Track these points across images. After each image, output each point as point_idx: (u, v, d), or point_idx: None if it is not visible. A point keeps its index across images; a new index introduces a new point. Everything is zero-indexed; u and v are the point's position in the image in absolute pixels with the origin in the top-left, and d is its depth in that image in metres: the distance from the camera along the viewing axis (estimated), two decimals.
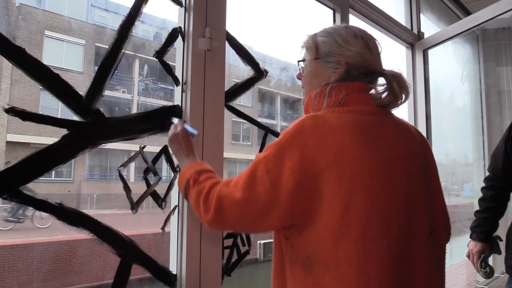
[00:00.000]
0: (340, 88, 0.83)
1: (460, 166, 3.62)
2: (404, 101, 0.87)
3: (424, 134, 2.62)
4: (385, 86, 0.85)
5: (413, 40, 2.72)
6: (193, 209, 0.86)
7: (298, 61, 0.96)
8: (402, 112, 2.71)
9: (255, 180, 0.75)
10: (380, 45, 0.91)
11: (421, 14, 2.86)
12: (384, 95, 0.85)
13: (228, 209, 0.77)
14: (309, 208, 0.73)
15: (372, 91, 0.87)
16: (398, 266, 0.72)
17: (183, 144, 0.99)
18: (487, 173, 1.69)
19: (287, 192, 0.72)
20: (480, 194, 1.68)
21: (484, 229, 1.61)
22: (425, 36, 2.76)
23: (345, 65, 0.84)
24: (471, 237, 1.65)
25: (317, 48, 0.89)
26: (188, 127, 1.03)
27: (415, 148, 0.85)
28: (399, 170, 0.77)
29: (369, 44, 0.87)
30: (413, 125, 2.61)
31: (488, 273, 1.60)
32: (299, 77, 0.97)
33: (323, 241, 0.72)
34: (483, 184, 1.68)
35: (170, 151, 1.07)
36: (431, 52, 2.74)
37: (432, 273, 0.79)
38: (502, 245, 1.62)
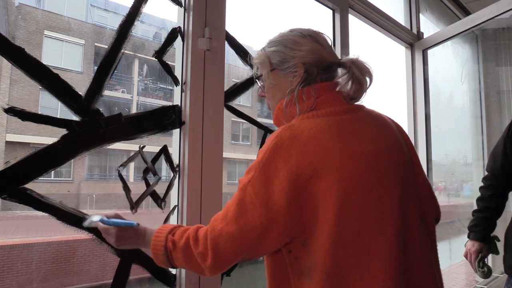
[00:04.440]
0: (309, 92, 0.82)
1: (459, 166, 3.62)
2: (370, 84, 0.85)
3: (424, 134, 2.62)
4: (347, 75, 0.84)
5: (413, 40, 2.73)
6: (187, 269, 0.77)
7: (255, 78, 0.94)
8: (401, 112, 2.72)
9: (245, 206, 0.72)
10: (329, 38, 0.90)
11: (420, 14, 2.86)
12: (349, 85, 0.84)
13: (226, 247, 0.72)
14: (304, 218, 0.72)
15: (339, 86, 0.86)
16: (398, 257, 0.71)
17: (131, 234, 0.86)
18: (486, 173, 1.69)
19: (281, 209, 0.70)
20: (479, 194, 1.68)
21: (482, 228, 1.60)
22: (425, 36, 2.76)
23: (303, 66, 0.83)
24: (468, 236, 1.64)
25: (269, 59, 0.88)
26: (115, 220, 0.86)
27: (395, 138, 0.84)
28: (386, 163, 0.77)
29: (318, 39, 0.87)
30: (413, 125, 2.64)
31: (486, 272, 1.59)
32: (262, 94, 0.94)
33: (322, 247, 0.71)
34: (481, 184, 1.68)
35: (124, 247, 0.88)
36: (430, 52, 2.74)
37: (427, 256, 0.79)
38: (499, 245, 1.62)
